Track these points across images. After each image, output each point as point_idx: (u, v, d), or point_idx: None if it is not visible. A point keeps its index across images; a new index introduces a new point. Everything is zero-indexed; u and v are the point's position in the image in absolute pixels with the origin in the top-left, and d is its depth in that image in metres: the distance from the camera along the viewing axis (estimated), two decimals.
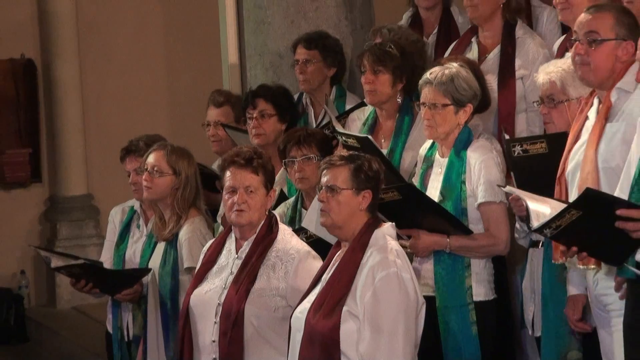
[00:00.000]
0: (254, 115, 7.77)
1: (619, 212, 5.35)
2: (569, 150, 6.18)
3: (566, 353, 6.51)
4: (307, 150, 7.06)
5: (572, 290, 6.35)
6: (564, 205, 5.59)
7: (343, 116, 7.86)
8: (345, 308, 5.85)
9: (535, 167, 6.44)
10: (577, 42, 5.99)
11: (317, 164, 6.78)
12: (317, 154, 6.99)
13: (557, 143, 6.36)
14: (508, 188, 6.23)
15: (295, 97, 8.31)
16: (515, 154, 6.52)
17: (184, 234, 7.24)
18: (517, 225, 6.73)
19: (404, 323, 5.86)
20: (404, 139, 7.30)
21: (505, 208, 6.67)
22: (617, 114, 5.98)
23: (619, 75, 5.99)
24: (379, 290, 5.82)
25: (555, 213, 5.56)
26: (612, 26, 5.97)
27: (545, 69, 6.60)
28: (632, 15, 6.08)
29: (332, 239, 6.30)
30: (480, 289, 6.69)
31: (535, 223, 5.66)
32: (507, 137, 6.73)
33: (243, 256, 6.45)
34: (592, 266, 5.97)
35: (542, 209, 5.74)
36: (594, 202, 5.43)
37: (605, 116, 6.01)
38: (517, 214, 6.57)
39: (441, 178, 6.73)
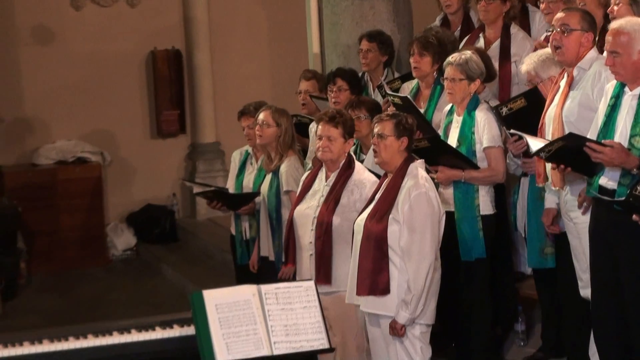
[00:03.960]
0: (334, 89, 7.82)
1: (587, 144, 5.53)
2: (546, 110, 6.29)
3: (544, 248, 6.64)
4: (359, 111, 7.12)
5: (547, 204, 6.47)
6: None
7: (392, 82, 7.93)
8: (390, 216, 6.02)
9: (520, 118, 6.49)
10: (554, 32, 6.12)
11: (366, 121, 6.93)
12: (366, 114, 7.04)
13: (532, 96, 6.52)
14: (513, 131, 6.34)
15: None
16: (504, 113, 6.61)
17: (283, 167, 7.28)
18: (510, 161, 6.83)
19: (430, 226, 6.01)
20: (435, 102, 7.33)
21: (502, 150, 6.75)
22: (577, 84, 6.12)
23: (580, 57, 6.10)
24: (413, 203, 5.99)
25: (547, 142, 5.78)
26: (579, 21, 6.08)
27: (525, 62, 6.72)
28: (592, 15, 6.20)
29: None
30: (485, 206, 6.76)
31: (534, 149, 5.83)
32: (491, 105, 6.82)
33: (330, 183, 6.58)
34: (558, 188, 6.16)
35: (537, 142, 5.89)
36: (573, 138, 5.64)
37: (569, 86, 6.15)
38: (514, 152, 6.63)
39: (458, 130, 6.80)
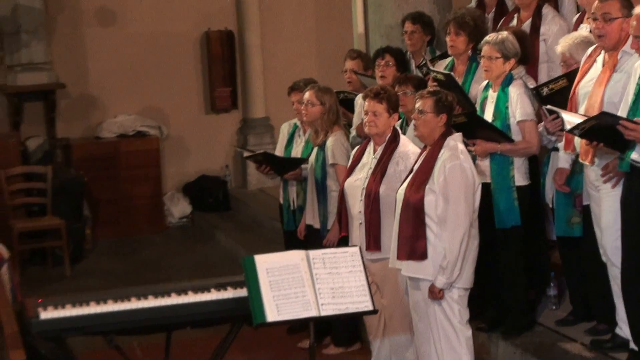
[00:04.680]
0: (382, 63, 7.77)
1: (621, 122, 5.52)
2: (579, 81, 6.27)
3: (570, 218, 6.63)
4: (405, 87, 7.09)
5: (561, 165, 6.51)
6: (586, 117, 5.77)
7: (433, 60, 7.87)
8: (427, 186, 6.01)
9: (559, 97, 6.44)
10: (596, 20, 6.03)
11: (411, 97, 6.87)
12: (412, 89, 6.98)
13: (573, 76, 6.42)
14: (549, 107, 6.32)
15: None
16: (544, 94, 6.56)
17: (329, 142, 7.28)
18: (543, 137, 6.76)
19: (465, 196, 6.00)
20: (470, 78, 7.27)
21: (535, 124, 6.68)
22: (621, 67, 6.04)
23: (623, 41, 6.02)
24: (448, 174, 5.98)
25: (580, 120, 5.74)
26: (619, 8, 6.00)
27: (560, 43, 6.68)
28: (629, 0, 6.12)
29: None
30: (520, 177, 6.70)
31: (568, 127, 5.84)
32: (531, 86, 6.76)
33: (378, 156, 6.58)
34: (588, 162, 6.13)
35: (572, 119, 5.87)
36: (606, 116, 5.63)
37: (613, 68, 6.08)
38: (551, 130, 6.54)
39: (493, 105, 6.74)
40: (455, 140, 6.12)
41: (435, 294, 6.01)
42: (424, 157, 6.15)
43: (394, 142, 6.57)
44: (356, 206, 6.61)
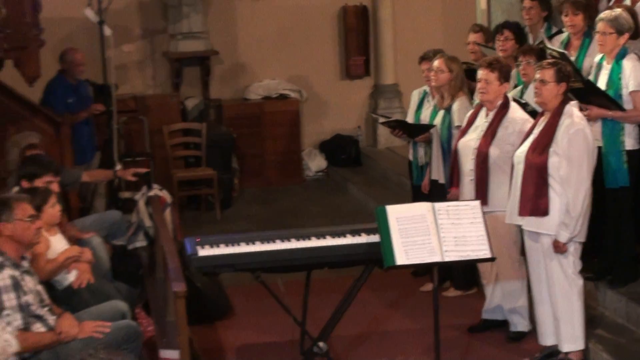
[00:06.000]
0: (501, 38, 7.67)
1: None
2: None
3: None
4: (529, 57, 6.96)
5: None
6: None
7: (550, 36, 7.73)
8: (551, 149, 5.89)
9: None
10: None
11: (534, 66, 6.80)
12: (535, 60, 6.84)
13: None
14: None
15: None
16: None
17: (455, 105, 7.22)
18: None
19: (587, 158, 5.89)
20: (584, 52, 7.11)
21: None
22: None
23: None
24: (572, 138, 5.86)
25: None
26: None
27: None
28: None
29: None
30: (630, 141, 6.54)
31: None
32: None
33: (489, 120, 6.50)
34: None
35: None
36: None
37: None
38: None
39: (607, 76, 6.58)
40: (573, 107, 6.00)
41: (559, 248, 5.93)
42: (545, 123, 6.02)
43: (504, 108, 6.47)
44: (467, 164, 6.55)
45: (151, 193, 7.79)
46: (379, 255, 5.41)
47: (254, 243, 5.53)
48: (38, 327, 5.18)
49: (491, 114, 6.50)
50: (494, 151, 6.40)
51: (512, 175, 6.14)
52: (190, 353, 5.46)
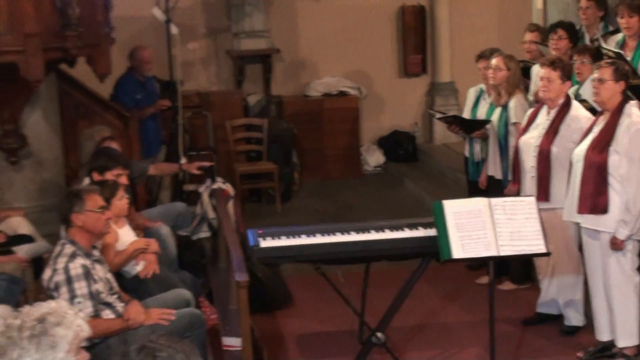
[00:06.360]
0: (555, 37, 7.56)
1: None
2: None
3: None
4: (583, 57, 6.87)
5: None
6: None
7: (605, 35, 7.63)
8: (611, 147, 5.78)
9: None
10: None
11: (589, 66, 6.70)
12: (590, 59, 6.77)
13: None
14: None
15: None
16: None
17: (511, 103, 7.17)
18: None
19: None
20: None
21: None
22: None
23: None
24: (632, 137, 5.74)
25: None
26: None
27: None
28: None
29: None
30: None
31: None
32: None
33: (551, 118, 6.41)
34: None
35: None
36: None
37: None
38: None
39: None
40: (633, 106, 5.89)
41: (617, 246, 5.83)
42: (605, 122, 5.92)
43: (566, 106, 6.39)
44: (529, 161, 6.48)
45: (215, 186, 7.84)
46: (435, 248, 5.39)
47: (314, 235, 5.53)
48: (107, 314, 5.25)
49: (553, 112, 6.41)
50: (555, 149, 6.32)
51: (570, 172, 6.07)
52: (251, 341, 5.49)
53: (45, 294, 5.17)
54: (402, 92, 12.37)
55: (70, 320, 3.03)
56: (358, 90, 12.08)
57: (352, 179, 11.72)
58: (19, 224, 7.00)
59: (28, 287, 6.39)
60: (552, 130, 6.36)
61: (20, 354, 2.94)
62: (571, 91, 6.97)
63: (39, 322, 2.99)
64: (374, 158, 12.17)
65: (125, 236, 6.21)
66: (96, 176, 6.49)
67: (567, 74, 6.41)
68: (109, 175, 6.43)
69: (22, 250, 6.58)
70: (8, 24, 6.72)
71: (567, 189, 6.08)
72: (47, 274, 5.18)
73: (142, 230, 6.65)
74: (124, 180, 6.49)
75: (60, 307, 3.07)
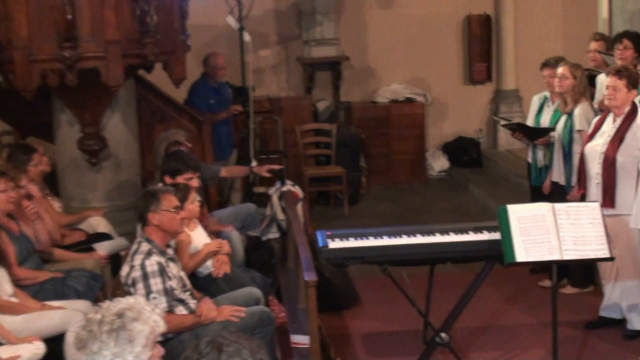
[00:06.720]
0: (620, 47, 7.44)
1: None
2: None
3: None
4: None
5: None
6: None
7: None
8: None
9: None
10: None
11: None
12: None
13: None
14: None
15: None
16: None
17: (577, 110, 7.06)
18: None
19: None
20: None
21: None
22: None
23: None
24: None
25: None
26: None
27: None
28: None
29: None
30: None
31: None
32: None
33: (617, 126, 6.31)
34: None
35: None
36: None
37: None
38: None
39: None
40: None
41: None
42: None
43: (632, 114, 6.28)
44: (594, 168, 6.38)
45: (284, 188, 7.88)
46: (499, 251, 5.35)
47: (382, 237, 5.53)
48: (180, 310, 5.31)
49: (619, 120, 6.32)
50: (621, 156, 6.22)
51: (637, 180, 5.96)
52: (319, 339, 5.50)
53: (122, 289, 5.25)
54: (467, 99, 12.31)
55: (147, 316, 3.08)
56: (424, 97, 12.05)
57: (417, 183, 11.70)
58: (98, 223, 7.13)
59: (107, 283, 6.50)
60: (618, 138, 6.27)
61: (100, 347, 2.99)
62: (637, 99, 6.87)
63: (118, 316, 3.04)
64: (438, 163, 12.12)
65: (198, 238, 6.26)
66: (168, 179, 6.54)
67: (633, 83, 6.30)
68: (180, 179, 6.47)
69: (102, 248, 6.70)
70: (91, 32, 6.84)
71: (635, 197, 5.98)
72: (124, 270, 5.26)
73: (215, 235, 6.70)
74: (194, 183, 6.53)
75: (138, 303, 3.12)
